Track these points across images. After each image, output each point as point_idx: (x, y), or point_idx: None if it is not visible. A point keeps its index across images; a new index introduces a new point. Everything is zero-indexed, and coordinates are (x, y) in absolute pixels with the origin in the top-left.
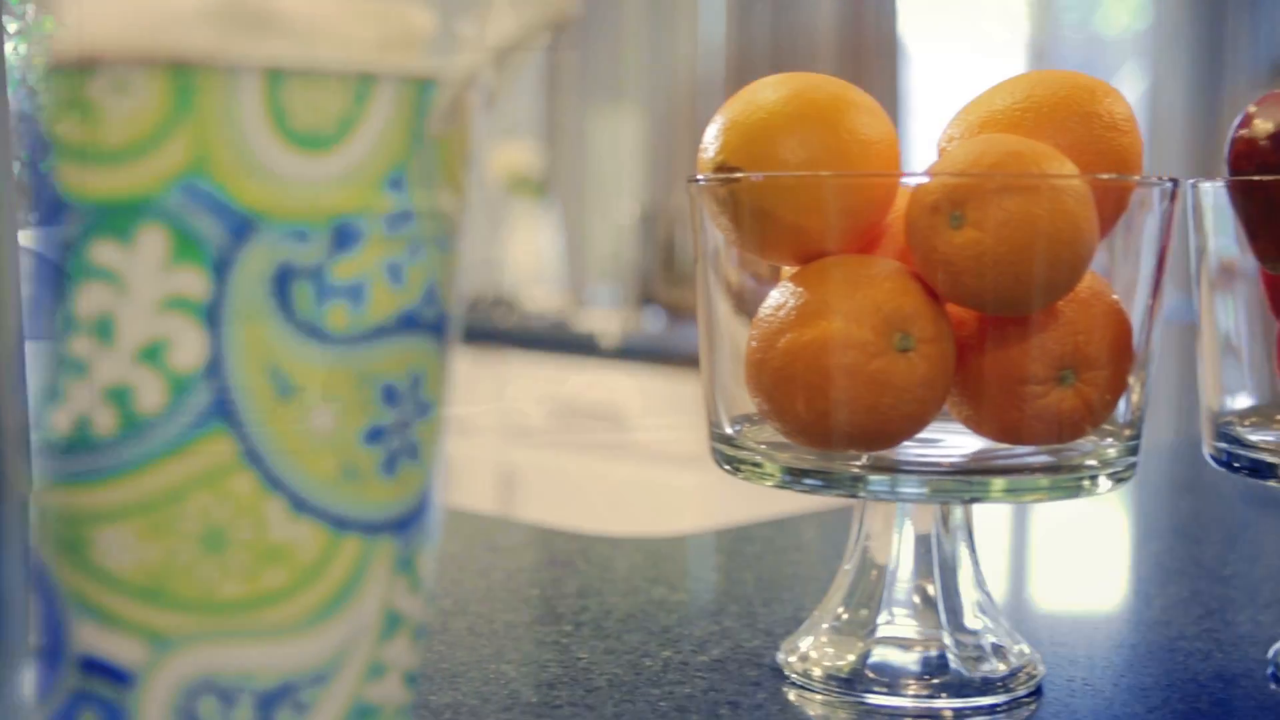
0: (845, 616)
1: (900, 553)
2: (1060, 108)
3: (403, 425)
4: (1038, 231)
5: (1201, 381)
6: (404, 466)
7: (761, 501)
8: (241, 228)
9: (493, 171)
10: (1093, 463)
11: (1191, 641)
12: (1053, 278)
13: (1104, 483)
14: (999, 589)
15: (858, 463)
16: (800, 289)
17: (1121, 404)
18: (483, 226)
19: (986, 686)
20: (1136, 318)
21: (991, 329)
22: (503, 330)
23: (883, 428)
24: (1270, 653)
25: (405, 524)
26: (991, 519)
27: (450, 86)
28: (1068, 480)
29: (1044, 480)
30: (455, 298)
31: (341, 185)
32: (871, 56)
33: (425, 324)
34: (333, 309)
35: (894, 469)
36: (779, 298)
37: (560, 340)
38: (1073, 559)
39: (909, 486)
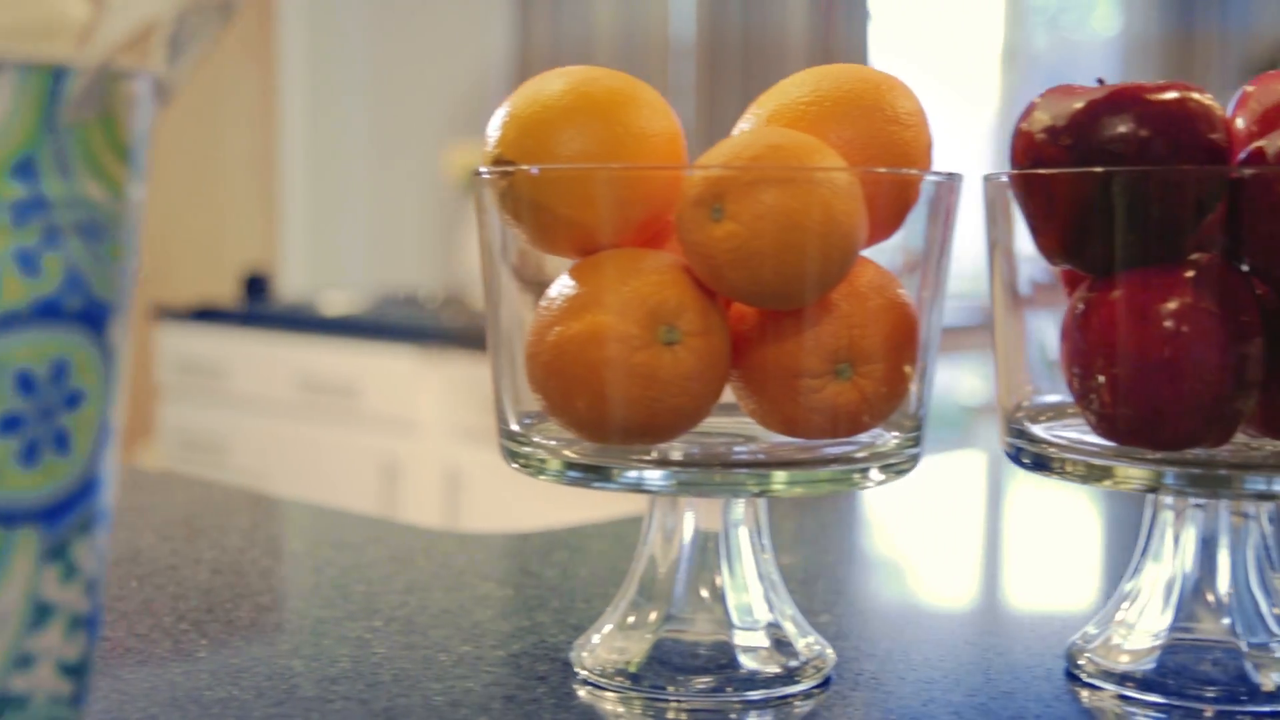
0: (634, 612)
1: (687, 548)
2: (843, 102)
3: (45, 415)
4: (795, 224)
5: (995, 375)
6: (48, 456)
7: None
8: None
9: (449, 170)
10: (863, 455)
11: (999, 636)
12: (814, 270)
13: (875, 475)
14: (822, 584)
15: (645, 457)
16: (573, 282)
17: (910, 395)
18: (436, 226)
19: (771, 680)
20: (921, 311)
21: (768, 322)
22: (452, 330)
23: (652, 420)
24: (1066, 647)
25: (54, 514)
26: (831, 512)
27: (85, 74)
28: (837, 473)
29: (824, 474)
30: (117, 287)
31: None
32: (841, 56)
33: (70, 313)
34: None
35: (679, 464)
36: (553, 291)
37: None
38: (909, 554)
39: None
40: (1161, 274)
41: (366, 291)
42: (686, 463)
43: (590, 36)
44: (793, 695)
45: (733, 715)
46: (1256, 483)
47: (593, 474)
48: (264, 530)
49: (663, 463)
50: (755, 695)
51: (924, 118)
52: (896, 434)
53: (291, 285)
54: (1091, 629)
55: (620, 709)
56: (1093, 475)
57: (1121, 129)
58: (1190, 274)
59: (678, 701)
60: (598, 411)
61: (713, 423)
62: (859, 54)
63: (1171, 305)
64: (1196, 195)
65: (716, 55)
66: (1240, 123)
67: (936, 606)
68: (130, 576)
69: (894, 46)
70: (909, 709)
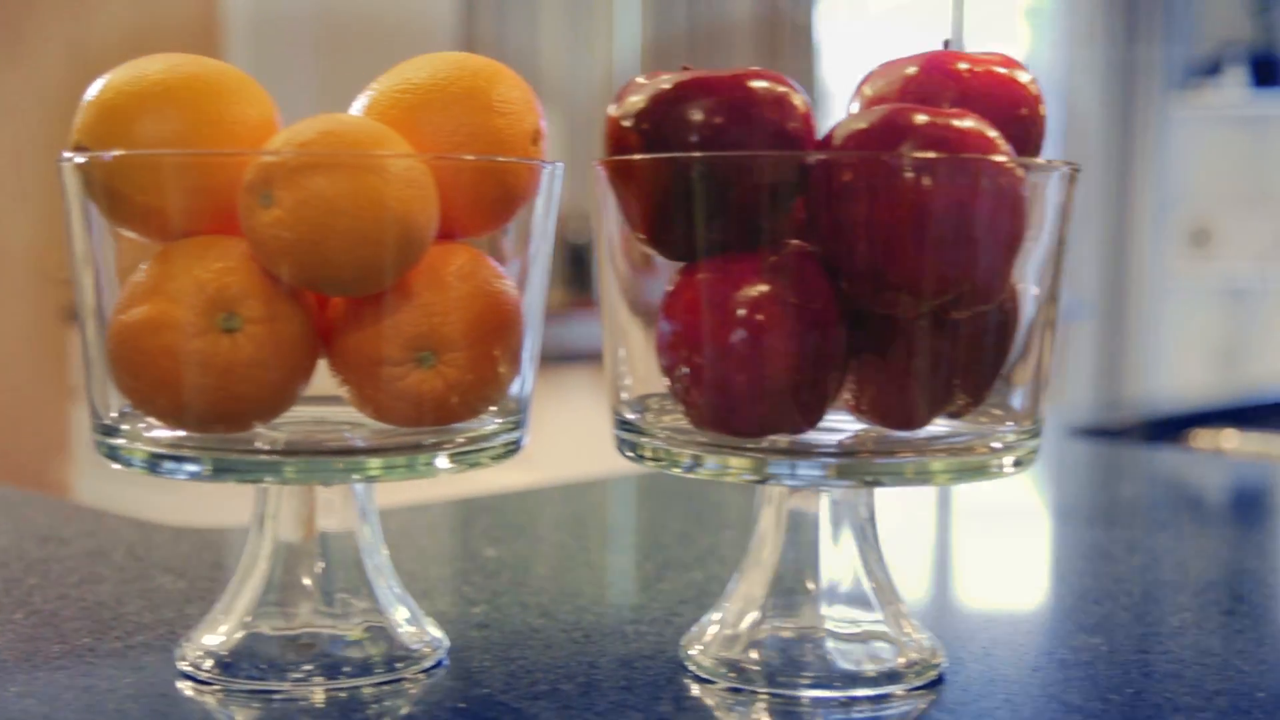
0: (235, 602)
1: (290, 538)
2: (435, 90)
3: None
4: (338, 211)
5: (606, 367)
6: None
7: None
8: None
9: None
10: (430, 440)
11: (641, 626)
12: (367, 258)
13: (442, 462)
14: (506, 575)
15: (252, 446)
16: (144, 269)
17: (517, 383)
18: None
19: (368, 668)
20: (526, 299)
21: (350, 310)
22: None
23: (221, 408)
24: (682, 640)
25: None
26: (569, 506)
27: None
28: (403, 461)
29: (421, 459)
30: None
31: None
32: (787, 46)
33: None
34: None
35: (267, 452)
36: (132, 278)
37: None
38: (624, 549)
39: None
40: (738, 262)
41: None
42: (277, 451)
43: (535, 39)
44: (390, 682)
45: (322, 703)
46: (781, 467)
47: (172, 464)
48: None
49: (248, 451)
50: (349, 683)
51: (526, 106)
52: (498, 419)
53: None
54: (707, 619)
55: (208, 699)
56: (669, 464)
57: (693, 116)
58: (763, 262)
59: (280, 692)
60: (167, 399)
61: (333, 411)
62: (804, 42)
63: (742, 293)
64: (770, 182)
65: (663, 51)
66: (856, 110)
67: (606, 599)
68: None
69: (842, 41)
70: (490, 697)
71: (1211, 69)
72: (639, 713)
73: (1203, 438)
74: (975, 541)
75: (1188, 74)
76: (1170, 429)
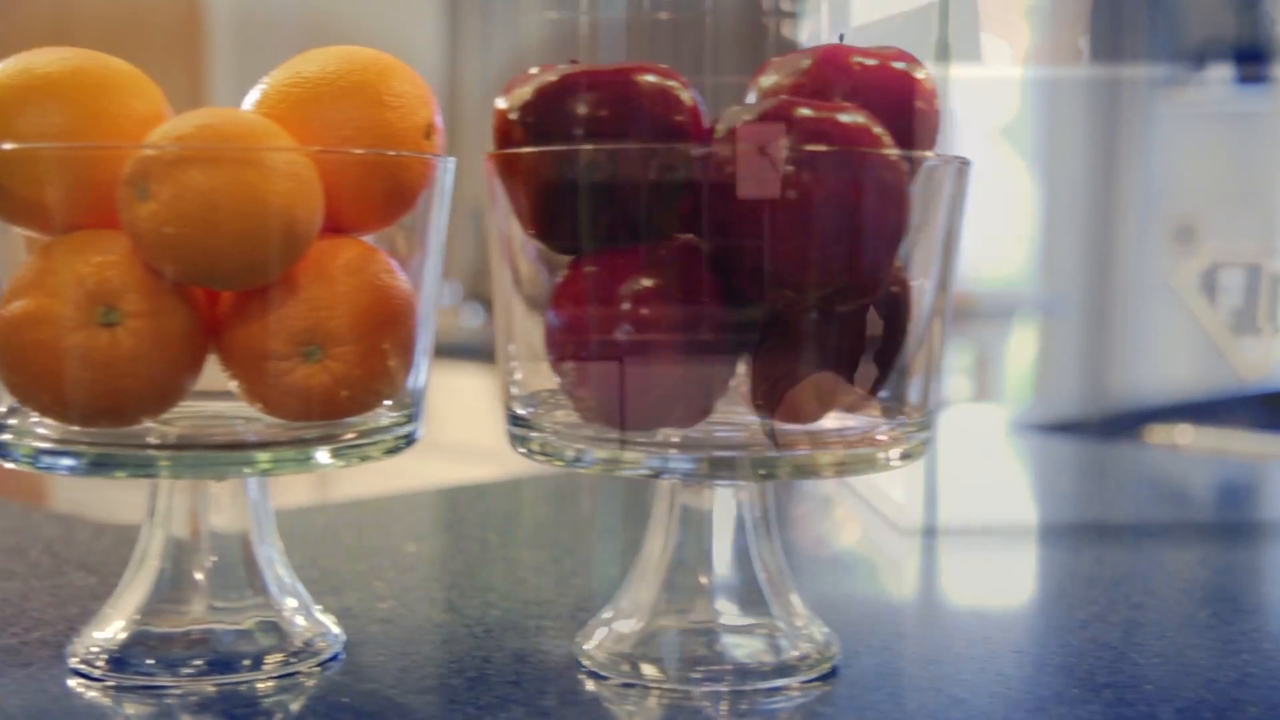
0: (125, 597)
1: (179, 533)
2: (324, 84)
3: None
4: (212, 204)
5: (498, 363)
6: None
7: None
8: None
9: None
10: (317, 434)
11: (549, 620)
12: (246, 252)
13: (324, 457)
14: (423, 570)
15: (138, 441)
16: (28, 263)
17: (411, 376)
18: None
19: (257, 661)
20: (421, 293)
21: (237, 304)
22: None
23: (102, 402)
24: (576, 638)
25: None
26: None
27: None
28: (292, 455)
29: (308, 453)
30: None
31: None
32: (770, 35)
33: None
34: None
35: (150, 446)
36: (18, 272)
37: None
38: (525, 543)
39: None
40: (623, 255)
41: None
42: (163, 445)
43: (519, 31)
44: (281, 677)
45: (212, 697)
46: (653, 462)
47: (51, 459)
48: None
49: (131, 446)
50: (240, 678)
51: (419, 100)
52: (393, 413)
53: None
54: (600, 614)
55: (97, 695)
56: (555, 458)
57: (577, 109)
58: (649, 256)
59: (170, 687)
60: (49, 394)
61: (230, 406)
62: (788, 31)
63: (625, 287)
64: (653, 175)
65: (643, 41)
66: (751, 101)
67: (515, 595)
68: None
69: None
70: (377, 691)
71: (1196, 65)
72: (522, 707)
73: (1158, 433)
74: (891, 537)
75: (1172, 70)
76: (1131, 424)
